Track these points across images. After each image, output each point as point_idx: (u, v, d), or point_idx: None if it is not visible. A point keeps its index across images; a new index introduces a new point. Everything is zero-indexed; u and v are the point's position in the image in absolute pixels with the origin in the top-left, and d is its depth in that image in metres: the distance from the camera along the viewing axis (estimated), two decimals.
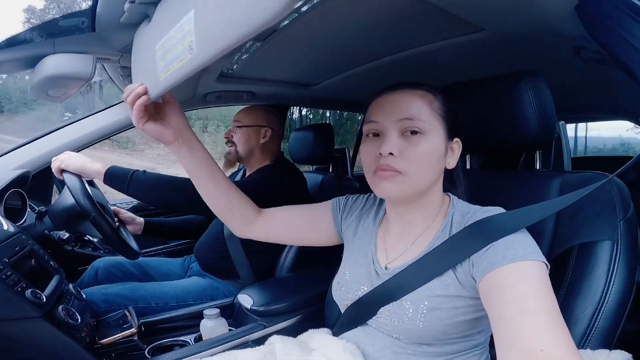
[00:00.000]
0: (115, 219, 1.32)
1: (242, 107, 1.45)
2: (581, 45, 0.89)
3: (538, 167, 0.84)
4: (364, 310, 0.68)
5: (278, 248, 1.34)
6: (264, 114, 1.40)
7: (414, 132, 0.63)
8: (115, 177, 1.06)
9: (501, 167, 0.95)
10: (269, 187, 1.21)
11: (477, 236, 0.59)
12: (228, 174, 1.54)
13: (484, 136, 0.82)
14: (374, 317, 0.67)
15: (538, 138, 0.74)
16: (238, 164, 1.45)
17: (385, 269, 0.69)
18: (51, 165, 1.10)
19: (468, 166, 1.05)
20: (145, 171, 1.09)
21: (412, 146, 0.62)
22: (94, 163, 1.06)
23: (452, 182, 0.73)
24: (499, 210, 0.62)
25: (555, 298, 0.50)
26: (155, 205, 1.14)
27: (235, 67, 1.15)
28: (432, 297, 0.60)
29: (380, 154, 0.63)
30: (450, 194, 0.71)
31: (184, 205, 1.10)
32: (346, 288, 0.73)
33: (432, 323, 0.60)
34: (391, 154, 0.62)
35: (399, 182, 0.63)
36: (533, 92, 0.73)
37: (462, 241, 0.60)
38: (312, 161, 1.64)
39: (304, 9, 0.77)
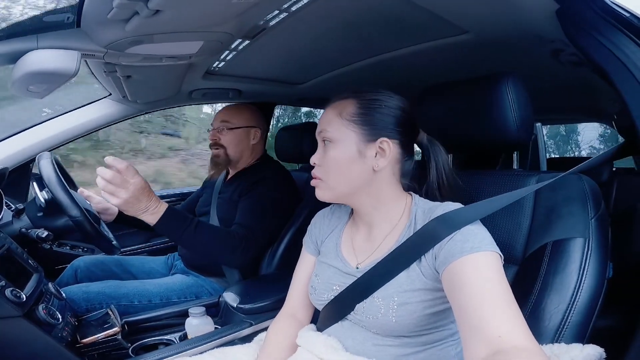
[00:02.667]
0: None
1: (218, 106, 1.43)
2: (559, 48, 0.92)
3: (516, 167, 0.87)
4: (341, 307, 0.71)
5: (263, 246, 1.34)
6: (252, 113, 1.39)
7: (327, 142, 0.71)
8: (167, 232, 1.05)
9: (481, 166, 0.98)
10: (277, 205, 1.25)
11: (439, 229, 0.62)
12: (213, 177, 1.46)
13: (464, 136, 0.84)
14: (351, 313, 0.70)
15: (516, 139, 0.77)
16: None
17: (357, 268, 0.72)
18: (106, 191, 0.91)
19: (450, 165, 1.08)
20: (197, 225, 1.07)
21: (325, 154, 0.71)
22: (146, 215, 0.98)
23: (417, 181, 0.77)
24: (457, 205, 0.66)
25: (508, 286, 0.55)
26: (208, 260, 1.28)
27: (221, 64, 1.15)
28: (400, 293, 0.63)
29: None
30: (412, 192, 0.75)
31: (234, 265, 1.21)
32: (319, 290, 0.76)
33: (404, 317, 0.63)
34: (315, 164, 0.73)
35: (322, 188, 0.72)
36: (512, 94, 0.75)
37: (425, 235, 0.64)
38: (299, 159, 1.65)
39: (293, 8, 0.77)
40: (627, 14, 0.63)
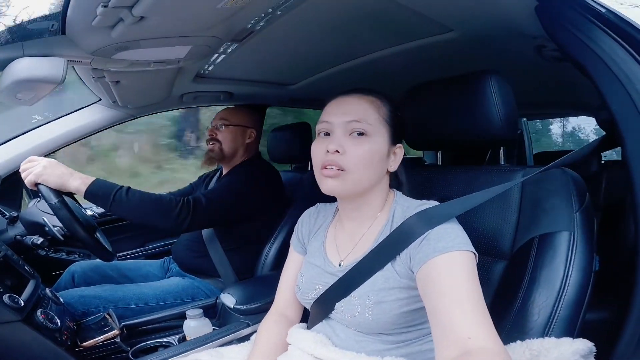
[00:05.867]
0: None
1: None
2: (542, 44, 0.93)
3: (502, 162, 0.88)
4: (324, 306, 0.72)
5: (258, 246, 1.35)
6: (249, 115, 1.44)
7: (360, 134, 0.68)
8: (97, 196, 1.05)
9: (468, 162, 0.99)
10: (244, 188, 1.25)
11: (415, 226, 0.63)
12: (205, 170, 1.53)
13: (450, 134, 0.85)
14: (333, 312, 0.71)
15: (501, 135, 0.78)
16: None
17: (339, 266, 0.73)
18: (22, 176, 1.02)
19: (439, 162, 1.09)
20: (129, 189, 1.08)
21: (356, 146, 0.67)
22: (73, 178, 1.03)
23: (398, 181, 0.78)
24: (433, 203, 0.67)
25: (479, 286, 0.56)
26: (139, 225, 1.21)
27: (211, 67, 1.15)
28: (375, 291, 0.64)
29: (327, 151, 0.67)
30: (395, 189, 0.76)
31: (169, 229, 1.15)
32: (303, 289, 0.77)
33: (380, 316, 0.64)
34: (337, 151, 0.66)
35: (342, 179, 0.67)
36: (496, 91, 0.76)
37: (402, 232, 0.65)
38: (290, 160, 1.66)
39: (279, 12, 0.78)
40: (603, 10, 0.64)
